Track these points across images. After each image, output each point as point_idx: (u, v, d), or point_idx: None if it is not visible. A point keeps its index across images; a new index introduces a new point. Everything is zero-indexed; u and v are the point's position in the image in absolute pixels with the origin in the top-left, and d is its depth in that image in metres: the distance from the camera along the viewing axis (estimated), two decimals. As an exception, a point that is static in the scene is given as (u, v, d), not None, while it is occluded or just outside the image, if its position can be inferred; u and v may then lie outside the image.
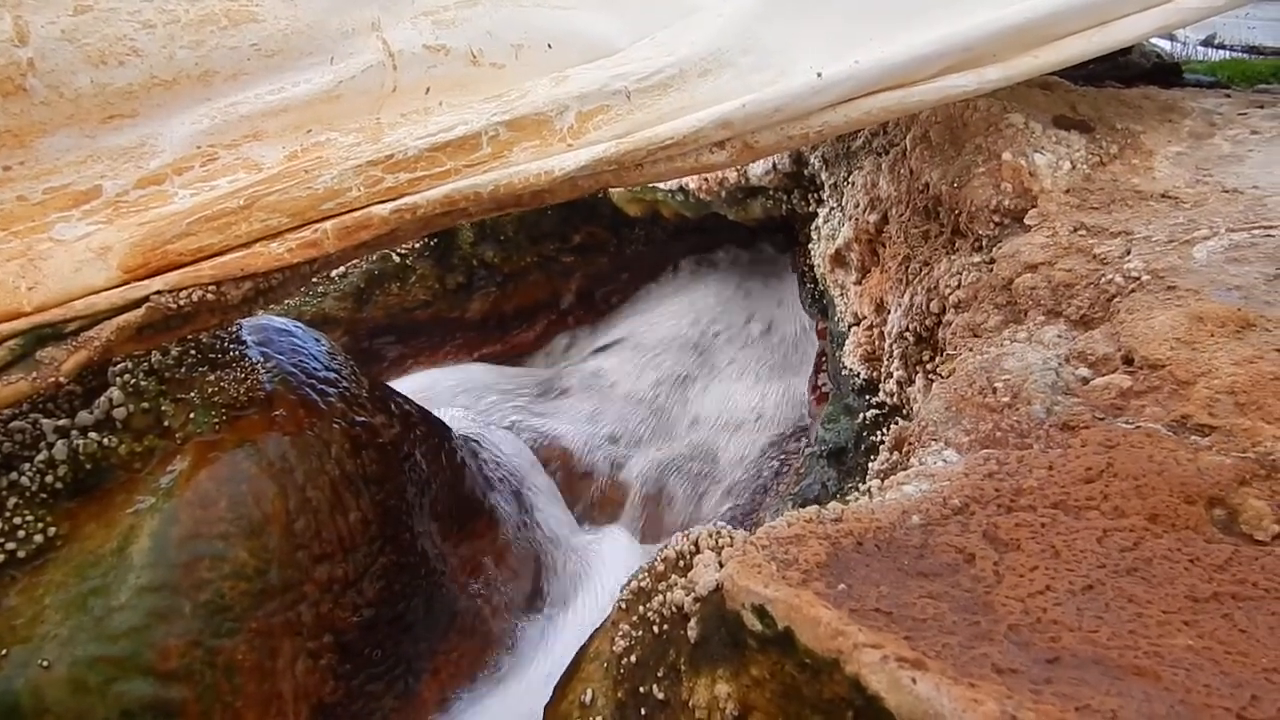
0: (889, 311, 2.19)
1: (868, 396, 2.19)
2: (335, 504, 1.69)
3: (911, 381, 2.03)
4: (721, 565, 1.18)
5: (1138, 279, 1.61)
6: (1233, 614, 0.99)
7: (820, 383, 2.70)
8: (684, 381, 3.05)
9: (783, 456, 2.62)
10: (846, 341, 2.35)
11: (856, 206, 2.33)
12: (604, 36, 2.04)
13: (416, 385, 2.95)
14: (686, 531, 1.29)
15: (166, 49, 1.67)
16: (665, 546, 1.29)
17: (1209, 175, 1.87)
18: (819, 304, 2.75)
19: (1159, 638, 0.97)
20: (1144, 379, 1.41)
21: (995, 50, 1.92)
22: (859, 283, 2.36)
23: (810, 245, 2.62)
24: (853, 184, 2.37)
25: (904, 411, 2.06)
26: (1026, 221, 1.90)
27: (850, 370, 2.30)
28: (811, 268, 2.70)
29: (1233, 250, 1.59)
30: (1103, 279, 1.65)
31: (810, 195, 2.66)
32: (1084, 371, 1.49)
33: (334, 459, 1.72)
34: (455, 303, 3.33)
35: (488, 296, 3.35)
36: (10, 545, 1.50)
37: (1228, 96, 2.23)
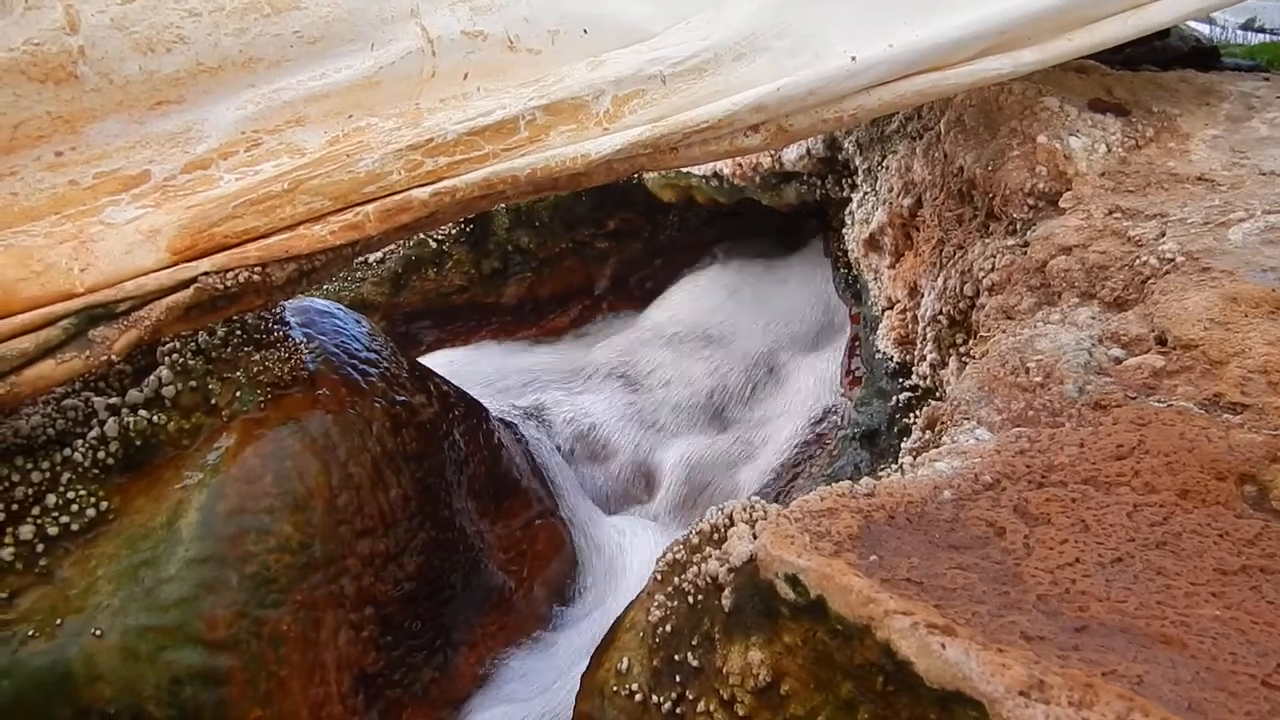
0: (922, 295, 2.19)
1: (901, 379, 2.20)
2: (376, 480, 1.73)
3: (945, 364, 2.04)
4: (755, 537, 1.20)
5: (1172, 260, 1.61)
6: (1261, 586, 1.00)
7: (853, 367, 2.71)
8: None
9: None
10: (880, 325, 2.36)
11: (890, 190, 2.34)
12: (639, 21, 2.06)
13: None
14: (721, 505, 1.31)
15: (212, 36, 1.71)
16: (700, 520, 1.32)
17: (1246, 158, 1.86)
18: (852, 289, 2.75)
19: (1186, 608, 0.98)
20: (1177, 359, 1.42)
21: (1030, 33, 1.92)
22: (892, 266, 2.36)
23: (844, 230, 2.62)
24: (886, 168, 2.38)
25: (937, 394, 2.06)
26: (1061, 204, 1.90)
27: (884, 354, 2.30)
28: (845, 253, 2.70)
29: (1269, 232, 1.59)
30: (1137, 261, 1.65)
31: (844, 180, 2.67)
32: (1117, 351, 1.50)
33: (375, 437, 1.77)
34: (491, 288, 3.37)
35: (523, 282, 3.39)
36: (64, 519, 1.55)
37: (1266, 80, 2.21)
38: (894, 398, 2.17)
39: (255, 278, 1.63)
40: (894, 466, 1.39)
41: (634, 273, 3.47)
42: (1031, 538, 1.13)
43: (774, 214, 3.04)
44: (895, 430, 2.11)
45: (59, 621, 1.49)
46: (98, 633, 1.49)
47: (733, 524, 1.28)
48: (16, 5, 1.57)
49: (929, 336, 2.09)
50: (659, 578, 1.29)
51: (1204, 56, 2.53)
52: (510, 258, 3.37)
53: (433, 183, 1.74)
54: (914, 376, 2.15)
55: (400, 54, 1.86)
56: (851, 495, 1.25)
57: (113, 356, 1.53)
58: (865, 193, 2.50)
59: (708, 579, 1.22)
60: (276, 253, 1.64)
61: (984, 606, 1.00)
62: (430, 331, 3.33)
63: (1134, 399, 1.37)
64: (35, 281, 1.51)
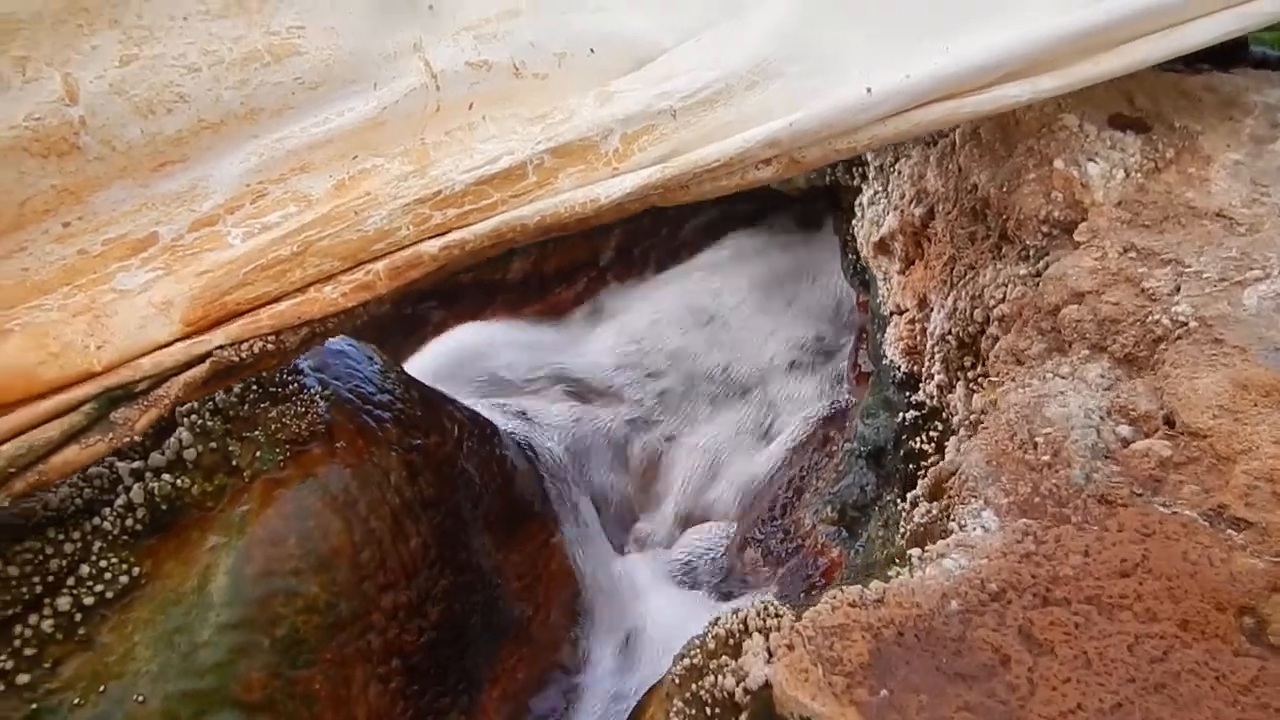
0: (931, 309, 2.19)
1: (908, 393, 2.22)
2: (396, 533, 1.78)
3: (952, 387, 2.06)
4: (770, 654, 1.25)
5: (1185, 324, 1.61)
6: (1254, 750, 1.06)
7: (860, 360, 2.72)
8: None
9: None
10: (888, 330, 2.36)
11: (903, 197, 2.30)
12: (647, 36, 2.00)
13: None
14: (736, 609, 1.36)
15: (212, 91, 1.67)
16: (715, 623, 1.36)
17: (1267, 194, 1.84)
18: (861, 277, 2.74)
19: (1182, 777, 1.03)
20: (1184, 448, 1.44)
21: (1054, 58, 1.86)
22: (902, 273, 2.35)
23: (854, 221, 2.60)
24: (899, 172, 2.34)
25: (943, 415, 2.09)
26: (1076, 237, 1.88)
27: (891, 361, 2.32)
28: (854, 238, 2.68)
29: (1284, 300, 1.59)
30: (1149, 318, 1.65)
31: (854, 168, 2.63)
32: (1125, 430, 1.52)
33: (393, 487, 1.80)
34: (496, 264, 3.35)
35: (528, 257, 3.37)
36: (99, 587, 1.60)
37: (1294, 87, 2.14)
38: (901, 414, 2.20)
39: (270, 346, 1.64)
40: (900, 562, 1.43)
41: (639, 243, 3.44)
42: (1035, 672, 1.17)
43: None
44: (901, 452, 2.14)
45: (102, 688, 1.55)
46: (140, 699, 1.55)
47: (747, 631, 1.33)
48: (14, 78, 1.53)
49: (937, 356, 2.11)
50: (677, 681, 1.35)
51: (1231, 47, 2.43)
52: (516, 232, 3.32)
53: (442, 235, 1.72)
54: (921, 393, 2.17)
55: (404, 91, 1.82)
56: (862, 606, 1.29)
57: (135, 436, 1.55)
58: (876, 191, 2.47)
59: (724, 693, 1.27)
60: (289, 319, 1.65)
61: (988, 764, 1.06)
62: (437, 311, 3.32)
63: (1139, 496, 1.39)
64: (54, 364, 1.52)
